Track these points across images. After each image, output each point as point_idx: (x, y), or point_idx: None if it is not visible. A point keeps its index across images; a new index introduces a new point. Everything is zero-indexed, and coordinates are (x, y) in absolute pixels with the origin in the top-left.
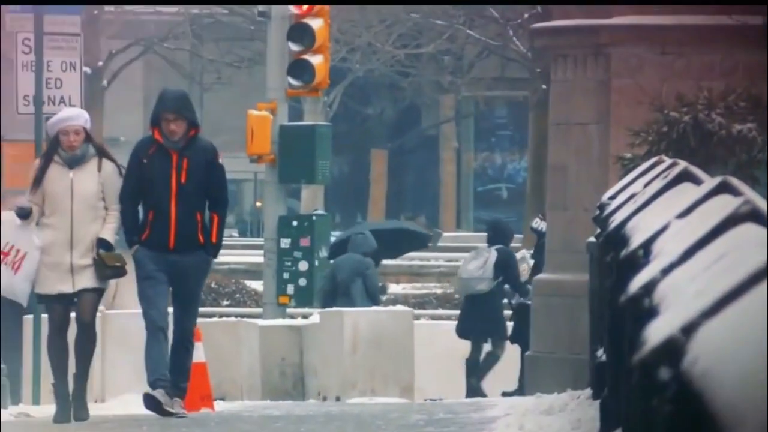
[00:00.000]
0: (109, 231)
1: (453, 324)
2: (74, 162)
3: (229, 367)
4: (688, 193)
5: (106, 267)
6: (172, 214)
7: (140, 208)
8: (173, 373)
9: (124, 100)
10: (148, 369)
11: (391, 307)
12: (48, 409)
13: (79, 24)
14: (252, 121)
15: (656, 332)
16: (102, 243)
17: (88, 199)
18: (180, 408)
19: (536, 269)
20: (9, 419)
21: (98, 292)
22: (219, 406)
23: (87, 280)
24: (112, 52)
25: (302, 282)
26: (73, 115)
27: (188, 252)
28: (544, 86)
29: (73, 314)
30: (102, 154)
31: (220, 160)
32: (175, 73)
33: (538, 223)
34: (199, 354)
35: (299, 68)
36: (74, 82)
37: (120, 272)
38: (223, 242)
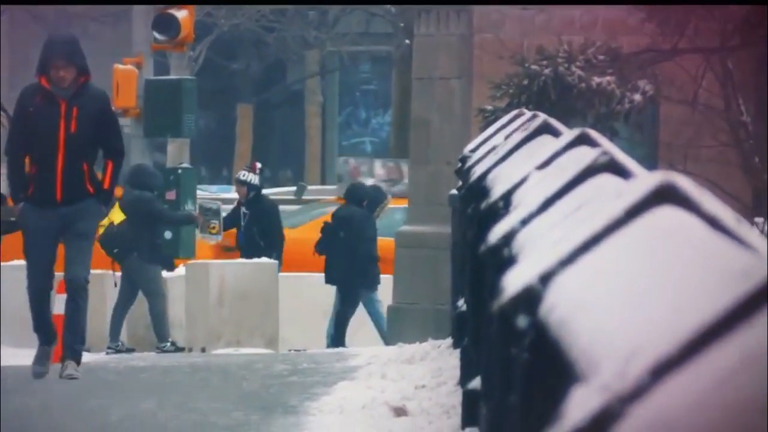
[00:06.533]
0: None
1: (318, 276)
2: None
3: (94, 318)
4: (547, 145)
5: None
6: (58, 165)
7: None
8: (67, 333)
9: None
10: (37, 333)
11: (256, 260)
12: None
13: None
14: (118, 75)
15: (514, 280)
16: None
17: None
18: (74, 370)
19: (246, 220)
20: None
21: None
22: (84, 357)
23: None
24: None
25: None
26: None
27: (77, 202)
28: (407, 41)
29: None
30: None
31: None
32: (40, 27)
33: (246, 175)
34: (62, 306)
35: (164, 22)
36: None
37: (7, 228)
38: None
